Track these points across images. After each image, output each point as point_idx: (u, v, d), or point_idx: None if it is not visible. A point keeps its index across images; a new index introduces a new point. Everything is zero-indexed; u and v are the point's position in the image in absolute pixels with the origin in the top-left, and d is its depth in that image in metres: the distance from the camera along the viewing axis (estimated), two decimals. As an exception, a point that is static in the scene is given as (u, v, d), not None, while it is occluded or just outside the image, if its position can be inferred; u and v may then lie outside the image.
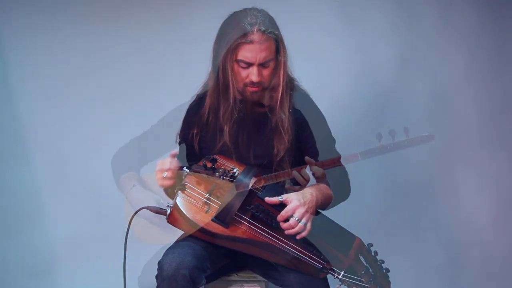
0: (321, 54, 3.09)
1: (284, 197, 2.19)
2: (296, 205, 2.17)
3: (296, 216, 2.15)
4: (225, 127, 2.35)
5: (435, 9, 3.09)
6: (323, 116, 2.45)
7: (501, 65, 3.10)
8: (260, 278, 2.36)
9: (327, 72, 3.09)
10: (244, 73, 2.29)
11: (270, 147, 2.37)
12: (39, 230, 3.20)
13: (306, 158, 2.26)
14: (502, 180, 3.12)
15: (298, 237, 2.17)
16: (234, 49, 2.27)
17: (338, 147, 2.42)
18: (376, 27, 3.09)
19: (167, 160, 2.27)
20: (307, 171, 2.26)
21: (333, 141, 2.45)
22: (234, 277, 2.39)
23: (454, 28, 3.08)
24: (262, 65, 2.28)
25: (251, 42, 2.25)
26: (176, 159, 2.27)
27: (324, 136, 2.43)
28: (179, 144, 2.45)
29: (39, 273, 3.21)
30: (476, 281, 3.11)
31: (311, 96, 2.45)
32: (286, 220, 2.17)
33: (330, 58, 3.10)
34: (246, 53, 2.26)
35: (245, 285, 2.37)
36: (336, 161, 2.23)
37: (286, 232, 2.17)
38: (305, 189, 2.24)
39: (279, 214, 2.18)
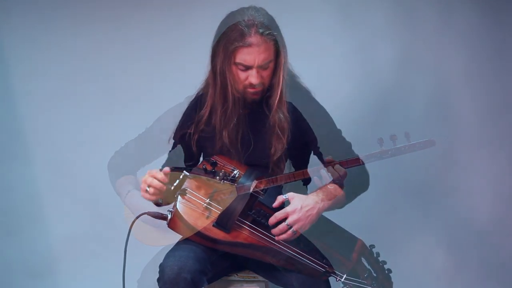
0: (321, 54, 3.09)
1: (289, 195, 2.17)
2: (291, 209, 2.15)
3: (288, 221, 2.14)
4: (224, 127, 2.32)
5: (435, 9, 3.09)
6: (325, 109, 2.40)
7: (501, 65, 3.09)
8: (260, 278, 2.36)
9: (326, 73, 3.08)
10: (243, 75, 2.25)
11: (267, 147, 2.33)
12: (39, 230, 3.20)
13: (328, 158, 2.19)
14: (502, 180, 3.12)
15: (277, 238, 2.15)
16: (232, 52, 2.22)
17: (339, 148, 2.41)
18: (376, 27, 3.09)
19: (156, 174, 2.20)
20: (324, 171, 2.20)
21: (339, 132, 2.40)
22: (234, 277, 2.38)
23: (454, 29, 3.08)
24: (261, 67, 2.24)
25: (250, 45, 2.20)
26: (167, 174, 2.20)
27: (328, 129, 2.38)
28: (174, 144, 2.42)
29: (40, 273, 3.21)
30: (476, 281, 3.11)
31: (312, 93, 2.42)
32: (279, 222, 2.16)
33: (330, 58, 3.10)
34: (244, 56, 2.21)
35: (245, 285, 2.37)
36: (355, 162, 2.17)
37: (277, 238, 2.16)
38: (311, 194, 2.20)
39: None
